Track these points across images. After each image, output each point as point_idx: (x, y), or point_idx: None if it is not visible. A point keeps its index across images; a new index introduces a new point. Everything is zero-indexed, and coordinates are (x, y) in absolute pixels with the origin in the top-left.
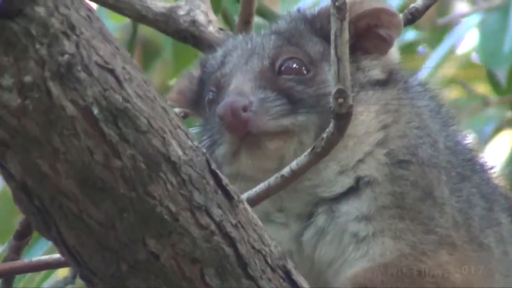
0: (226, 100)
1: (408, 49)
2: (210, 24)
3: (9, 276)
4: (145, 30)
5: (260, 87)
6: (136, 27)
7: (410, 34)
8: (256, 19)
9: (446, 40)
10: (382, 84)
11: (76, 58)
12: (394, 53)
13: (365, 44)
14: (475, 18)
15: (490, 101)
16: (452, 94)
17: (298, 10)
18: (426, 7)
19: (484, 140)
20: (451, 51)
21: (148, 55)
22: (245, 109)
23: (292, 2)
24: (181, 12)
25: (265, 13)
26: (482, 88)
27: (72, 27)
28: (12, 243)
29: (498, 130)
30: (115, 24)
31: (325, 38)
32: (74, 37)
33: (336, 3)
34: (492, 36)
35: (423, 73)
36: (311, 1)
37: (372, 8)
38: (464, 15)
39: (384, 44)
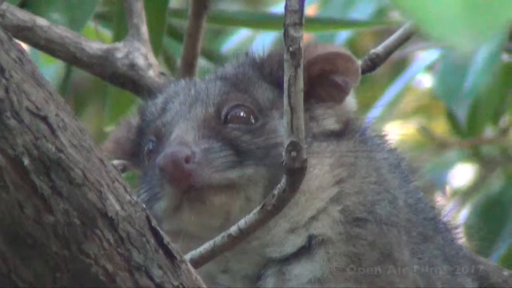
0: (167, 150)
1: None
2: (151, 68)
3: None
4: (79, 71)
5: (204, 136)
6: (70, 69)
7: None
8: (202, 62)
9: (403, 75)
10: (337, 135)
11: (5, 104)
12: (350, 101)
13: (319, 91)
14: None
15: (449, 143)
16: (410, 130)
17: (246, 54)
18: (388, 53)
19: (442, 185)
20: (408, 87)
21: (83, 98)
22: (187, 160)
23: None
24: (119, 55)
25: (211, 55)
26: (442, 126)
27: (2, 70)
28: None
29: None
30: (47, 66)
31: (275, 84)
32: (4, 80)
33: (290, 48)
34: (453, 71)
35: (378, 110)
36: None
37: (327, 52)
38: (423, 48)
39: (340, 91)
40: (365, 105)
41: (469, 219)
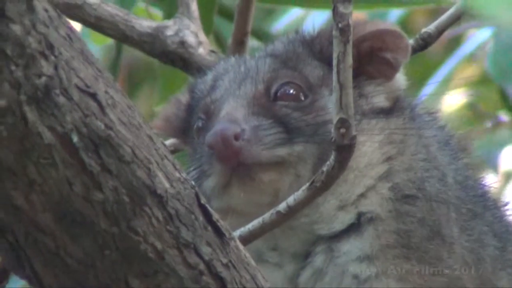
0: (216, 128)
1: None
2: (201, 45)
3: None
4: (131, 51)
5: (253, 114)
6: (121, 48)
7: None
8: (251, 42)
9: (456, 53)
10: (386, 112)
11: (55, 81)
12: (400, 78)
13: (368, 69)
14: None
15: (502, 122)
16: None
17: (296, 32)
18: (439, 32)
19: (493, 164)
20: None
21: (135, 79)
22: (236, 137)
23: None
24: (169, 33)
25: (261, 34)
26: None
27: (51, 47)
28: None
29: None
30: (97, 46)
31: (325, 61)
32: (53, 58)
33: (339, 25)
34: (505, 50)
35: (431, 87)
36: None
37: (376, 29)
38: (475, 27)
39: (390, 68)
40: (418, 83)
41: None
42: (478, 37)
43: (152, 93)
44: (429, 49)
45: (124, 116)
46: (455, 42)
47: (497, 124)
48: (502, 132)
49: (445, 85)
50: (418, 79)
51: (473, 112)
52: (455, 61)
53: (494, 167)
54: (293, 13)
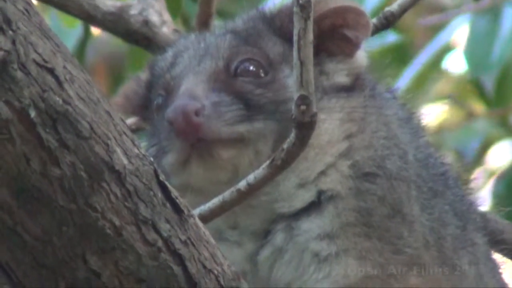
0: (176, 103)
1: (395, 53)
2: (164, 25)
3: None
4: (113, 42)
5: (213, 90)
6: (88, 28)
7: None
8: (217, 22)
9: (431, 44)
10: (347, 89)
11: (12, 56)
12: (361, 56)
13: (329, 46)
14: (462, 20)
15: (476, 113)
16: (444, 112)
17: (257, 8)
18: (402, 11)
19: (469, 156)
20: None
21: (117, 71)
22: (197, 113)
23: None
24: (133, 12)
25: (226, 14)
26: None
27: (8, 22)
28: None
29: (485, 146)
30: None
31: (286, 38)
32: (10, 32)
33: (300, 1)
34: (480, 41)
35: (404, 81)
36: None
37: (337, 6)
38: (451, 15)
39: (350, 46)
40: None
41: (496, 187)
42: (455, 25)
43: None
44: (409, 38)
45: (82, 92)
46: (436, 31)
47: (472, 115)
48: (477, 123)
49: (424, 73)
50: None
51: (449, 103)
52: (433, 49)
53: (469, 157)
54: None
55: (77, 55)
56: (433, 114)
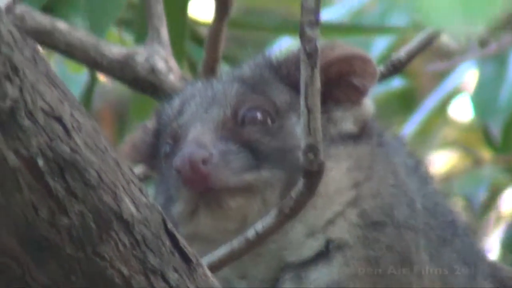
0: (184, 152)
1: (401, 99)
2: (171, 72)
3: None
4: (120, 87)
5: (221, 138)
6: (94, 74)
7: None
8: (223, 67)
9: (437, 90)
10: (354, 137)
11: (20, 104)
12: (368, 104)
13: (336, 93)
14: (468, 66)
15: (483, 160)
16: (450, 159)
17: (263, 56)
18: (409, 58)
19: (476, 203)
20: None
21: (124, 116)
22: (204, 162)
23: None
24: (139, 59)
25: (232, 60)
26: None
27: (15, 69)
28: None
29: (493, 192)
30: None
31: (292, 86)
32: (18, 80)
33: (307, 49)
34: (487, 86)
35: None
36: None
37: (344, 53)
38: (457, 61)
39: (357, 93)
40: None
41: (506, 234)
42: (462, 71)
43: None
44: (416, 84)
45: (89, 140)
46: (442, 76)
47: (479, 161)
48: (484, 170)
49: (431, 119)
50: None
51: (456, 149)
52: (440, 95)
53: (476, 205)
54: (285, 42)
55: (84, 101)
56: (440, 161)
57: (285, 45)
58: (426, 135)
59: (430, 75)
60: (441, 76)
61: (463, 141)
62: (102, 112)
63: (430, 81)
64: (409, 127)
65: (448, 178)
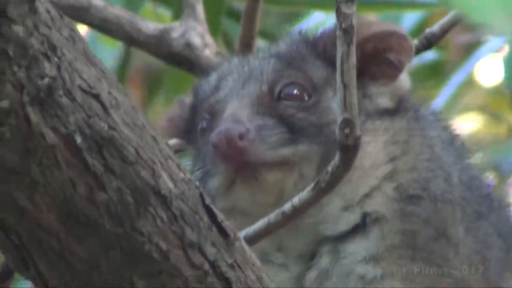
0: (221, 127)
1: (431, 71)
2: (206, 47)
3: None
4: (148, 56)
5: (257, 113)
6: (129, 50)
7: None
8: (260, 42)
9: (467, 63)
10: (390, 112)
11: (58, 82)
12: (404, 79)
13: (372, 69)
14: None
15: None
16: (477, 123)
17: (300, 32)
18: (443, 32)
19: (505, 172)
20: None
21: (152, 84)
22: (241, 137)
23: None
24: (175, 35)
25: (269, 35)
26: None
27: (53, 48)
28: None
29: None
30: (107, 49)
31: (329, 61)
32: (56, 59)
33: (343, 25)
34: None
35: (441, 99)
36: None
37: (381, 30)
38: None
39: (394, 69)
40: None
41: None
42: (491, 44)
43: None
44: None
45: (127, 117)
46: (473, 48)
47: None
48: None
49: (458, 97)
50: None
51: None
52: (470, 67)
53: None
54: (315, 17)
55: (118, 76)
56: (468, 126)
57: (318, 20)
58: (456, 101)
59: (460, 47)
60: (471, 47)
61: (492, 107)
62: (131, 76)
63: (460, 53)
64: (441, 98)
65: (476, 145)
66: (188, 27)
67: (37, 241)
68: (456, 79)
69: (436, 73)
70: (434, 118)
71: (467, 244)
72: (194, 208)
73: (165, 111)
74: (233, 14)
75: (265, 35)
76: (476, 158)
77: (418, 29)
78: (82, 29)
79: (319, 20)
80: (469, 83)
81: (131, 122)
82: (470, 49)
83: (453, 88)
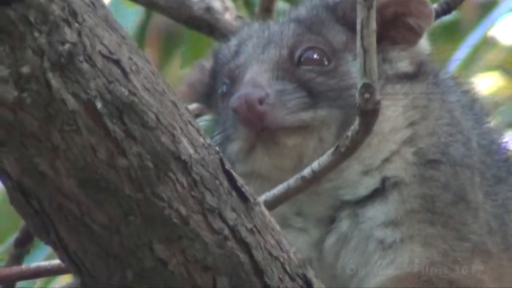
0: (241, 92)
1: (446, 30)
2: (227, 11)
3: (7, 282)
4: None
5: (277, 78)
6: (149, 14)
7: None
8: (281, 5)
9: (484, 22)
10: (410, 77)
11: (78, 48)
12: (424, 44)
13: (392, 34)
14: None
15: None
16: (496, 82)
17: None
18: None
19: None
20: (489, 35)
21: (169, 45)
22: (261, 101)
23: None
24: None
25: None
26: None
27: (74, 14)
28: (12, 250)
29: None
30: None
31: (348, 26)
32: (76, 24)
33: None
34: None
35: (458, 57)
36: None
37: None
38: None
39: (413, 34)
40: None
41: None
42: (510, 2)
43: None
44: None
45: (147, 82)
46: (488, 8)
47: None
48: None
49: (476, 54)
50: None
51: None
52: (487, 27)
53: None
54: None
55: (138, 39)
56: (486, 85)
57: None
58: (472, 60)
59: (476, 7)
60: (486, 7)
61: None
62: (148, 35)
63: (476, 13)
64: (457, 57)
65: (493, 103)
66: None
67: (58, 206)
68: (473, 38)
69: (452, 33)
70: (453, 82)
71: (486, 209)
72: (214, 173)
73: (182, 73)
74: None
75: None
76: (495, 119)
77: None
78: None
79: None
80: (488, 42)
81: (151, 87)
82: (486, 9)
83: (470, 47)
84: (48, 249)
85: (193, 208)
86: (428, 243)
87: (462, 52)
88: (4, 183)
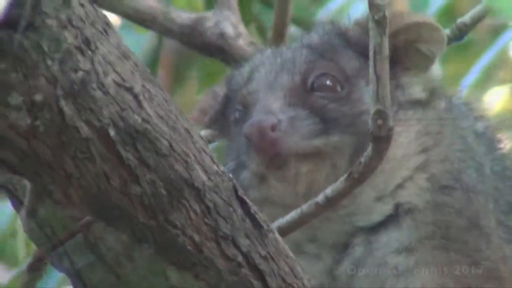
0: (253, 119)
1: (459, 51)
2: (240, 37)
3: None
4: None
5: (290, 105)
6: (161, 39)
7: None
8: (294, 30)
9: (498, 42)
10: (422, 103)
11: (91, 75)
12: (436, 69)
13: (404, 60)
14: None
15: None
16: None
17: (332, 23)
18: (475, 22)
19: None
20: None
21: (181, 70)
22: (273, 128)
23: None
24: (208, 24)
25: (303, 23)
26: None
27: (87, 42)
28: (25, 276)
29: None
30: (139, 36)
31: (361, 52)
32: (89, 52)
33: (375, 17)
34: None
35: (470, 78)
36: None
37: (412, 21)
38: None
39: (425, 60)
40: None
41: None
42: None
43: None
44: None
45: (161, 110)
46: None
47: None
48: None
49: (488, 75)
50: (463, 69)
51: None
52: (499, 47)
53: None
54: (337, 2)
55: (151, 64)
56: (497, 101)
57: (344, 1)
58: (486, 80)
59: (487, 28)
60: (498, 29)
61: None
62: (161, 59)
63: (487, 34)
64: (469, 79)
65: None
66: (222, 16)
67: (70, 233)
68: (485, 58)
69: (464, 53)
70: (466, 108)
71: (499, 235)
72: (228, 200)
73: (195, 98)
74: (267, 1)
75: (298, 22)
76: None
77: (445, 12)
78: (115, 18)
79: (343, 3)
80: (501, 60)
81: (165, 114)
82: (497, 31)
83: (482, 67)
84: (60, 274)
85: (207, 235)
86: (441, 270)
87: (475, 71)
88: (18, 210)
